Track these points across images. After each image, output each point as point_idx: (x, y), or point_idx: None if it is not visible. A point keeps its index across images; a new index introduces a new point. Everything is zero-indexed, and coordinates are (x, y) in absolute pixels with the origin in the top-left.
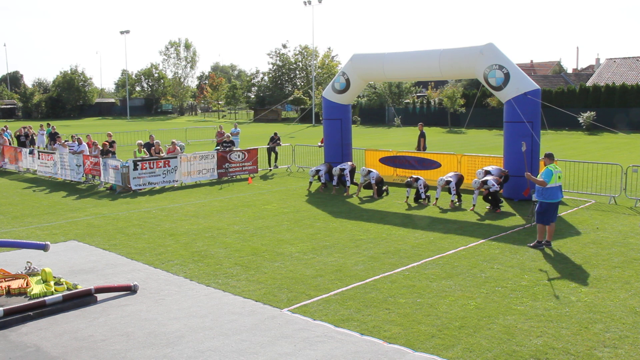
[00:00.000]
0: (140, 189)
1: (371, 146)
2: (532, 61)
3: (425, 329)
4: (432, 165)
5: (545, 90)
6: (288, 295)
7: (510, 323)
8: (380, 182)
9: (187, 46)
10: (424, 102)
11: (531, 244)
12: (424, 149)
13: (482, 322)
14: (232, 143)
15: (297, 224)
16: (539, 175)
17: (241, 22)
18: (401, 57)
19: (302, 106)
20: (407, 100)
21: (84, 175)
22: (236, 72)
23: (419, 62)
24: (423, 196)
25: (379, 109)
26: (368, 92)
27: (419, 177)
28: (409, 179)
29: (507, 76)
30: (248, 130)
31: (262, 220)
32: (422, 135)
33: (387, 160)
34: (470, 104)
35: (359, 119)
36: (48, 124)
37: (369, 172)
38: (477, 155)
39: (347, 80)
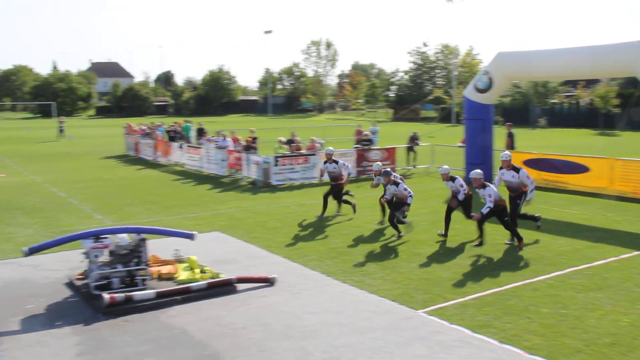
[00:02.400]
0: (280, 185)
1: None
2: None
3: (570, 342)
4: (579, 169)
5: None
6: (424, 296)
7: None
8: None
9: (328, 45)
10: (573, 102)
11: None
12: (512, 148)
13: (638, 342)
14: (371, 141)
15: (435, 224)
16: None
17: (381, 20)
18: (549, 55)
19: (442, 105)
20: (553, 100)
21: (228, 169)
22: (375, 71)
23: (569, 60)
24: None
25: (522, 109)
26: (512, 92)
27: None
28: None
29: None
30: (387, 129)
31: None
32: (510, 135)
33: (531, 163)
34: (626, 104)
35: (501, 119)
36: (188, 121)
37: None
38: (634, 160)
39: (490, 79)
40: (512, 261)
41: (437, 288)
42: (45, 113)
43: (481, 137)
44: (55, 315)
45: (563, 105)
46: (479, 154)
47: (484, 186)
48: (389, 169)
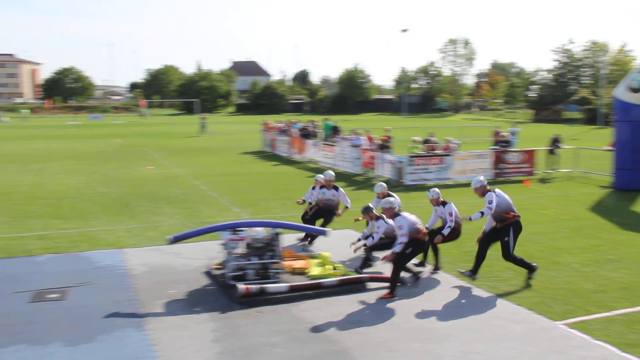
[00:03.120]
0: (414, 185)
1: None
2: None
3: None
4: None
5: None
6: (563, 307)
7: None
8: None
9: (466, 43)
10: None
11: None
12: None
13: None
14: (509, 143)
15: (577, 232)
16: None
17: (523, 17)
18: None
19: (587, 106)
20: None
21: (361, 167)
22: (516, 70)
23: None
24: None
25: None
26: None
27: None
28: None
29: None
30: (526, 130)
31: (538, 225)
32: None
33: None
34: None
35: None
36: (328, 119)
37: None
38: None
39: None
40: None
41: (578, 299)
42: (189, 110)
43: (633, 140)
44: (194, 302)
45: None
46: (629, 158)
47: (395, 216)
48: (369, 204)
